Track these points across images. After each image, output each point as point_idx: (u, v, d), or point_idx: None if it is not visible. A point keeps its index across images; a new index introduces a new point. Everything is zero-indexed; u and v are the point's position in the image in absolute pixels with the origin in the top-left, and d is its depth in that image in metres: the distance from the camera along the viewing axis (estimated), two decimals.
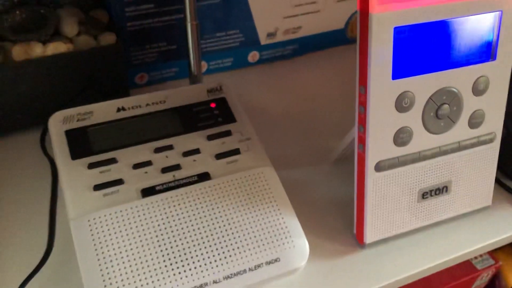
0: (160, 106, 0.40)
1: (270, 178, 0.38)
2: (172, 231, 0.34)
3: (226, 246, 0.34)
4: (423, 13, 0.32)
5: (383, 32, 0.31)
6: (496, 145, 0.39)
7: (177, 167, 0.37)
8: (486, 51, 0.35)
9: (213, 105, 0.41)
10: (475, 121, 0.37)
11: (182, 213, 0.35)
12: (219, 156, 0.38)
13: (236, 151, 0.39)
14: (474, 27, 0.34)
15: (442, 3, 0.32)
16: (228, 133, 0.40)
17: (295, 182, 0.44)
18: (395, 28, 0.31)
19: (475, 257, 0.63)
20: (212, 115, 0.41)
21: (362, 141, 0.35)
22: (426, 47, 0.33)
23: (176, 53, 0.52)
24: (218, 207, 0.36)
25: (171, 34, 0.51)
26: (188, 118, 0.40)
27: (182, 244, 0.34)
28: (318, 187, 0.44)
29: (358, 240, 0.38)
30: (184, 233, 0.34)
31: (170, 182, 0.36)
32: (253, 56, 0.57)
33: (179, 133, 0.39)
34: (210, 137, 0.39)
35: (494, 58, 0.35)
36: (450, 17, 0.33)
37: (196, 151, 0.38)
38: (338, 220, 0.41)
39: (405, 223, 0.38)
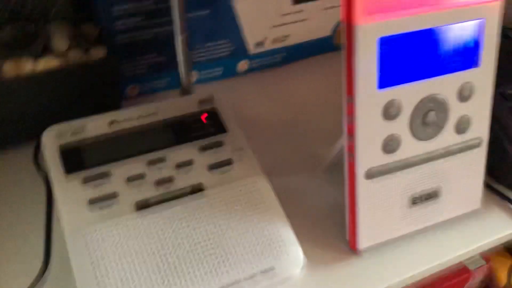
0: (152, 118, 0.41)
1: (263, 187, 0.38)
2: (167, 243, 0.34)
3: (221, 256, 0.35)
4: (407, 23, 0.33)
5: (368, 43, 0.32)
6: (483, 149, 0.39)
7: (170, 179, 0.38)
8: (470, 58, 0.36)
9: (204, 116, 0.42)
10: (461, 127, 0.38)
11: (176, 225, 0.35)
12: (211, 167, 0.39)
13: (228, 162, 0.39)
14: (458, 35, 0.35)
15: (426, 13, 0.33)
16: (220, 144, 0.40)
17: (287, 190, 0.44)
18: (380, 39, 0.32)
19: (467, 258, 0.64)
20: (204, 126, 0.41)
21: (351, 149, 0.35)
22: (411, 56, 0.34)
23: (167, 64, 0.53)
24: (212, 218, 0.36)
25: (161, 45, 0.51)
26: (180, 130, 0.40)
27: (177, 255, 0.34)
28: (310, 194, 0.44)
29: (351, 247, 0.39)
30: (178, 244, 0.35)
31: (164, 194, 0.37)
32: (243, 65, 0.57)
33: (171, 145, 0.39)
34: (202, 148, 0.40)
35: (477, 64, 0.36)
36: (434, 25, 0.34)
37: (189, 163, 0.39)
38: (330, 227, 0.41)
39: (397, 229, 0.39)
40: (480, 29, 0.35)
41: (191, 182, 0.38)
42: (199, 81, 0.56)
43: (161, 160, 0.38)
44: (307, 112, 0.54)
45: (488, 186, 0.44)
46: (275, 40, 0.57)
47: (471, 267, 0.63)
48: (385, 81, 0.33)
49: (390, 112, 0.34)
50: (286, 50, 0.59)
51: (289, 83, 0.58)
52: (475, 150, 0.39)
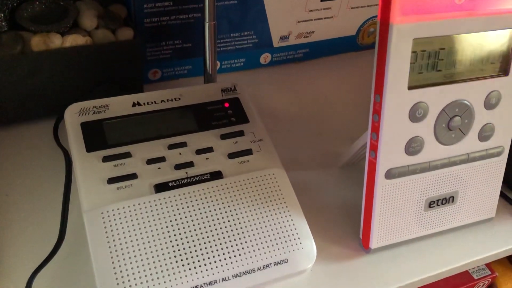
0: (175, 103, 0.41)
1: (281, 179, 0.39)
2: (183, 227, 0.35)
3: (236, 244, 0.35)
4: (442, 26, 0.33)
5: (402, 42, 0.32)
6: (503, 159, 0.40)
7: (190, 164, 0.38)
8: (500, 66, 0.36)
9: (226, 104, 0.42)
10: (485, 134, 0.38)
11: (194, 210, 0.36)
12: (231, 155, 0.39)
13: (248, 151, 0.39)
14: (490, 42, 0.35)
15: (461, 18, 0.33)
16: (241, 133, 0.40)
17: (303, 184, 0.44)
18: (414, 40, 0.32)
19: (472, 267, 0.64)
20: (226, 115, 0.41)
21: (374, 148, 0.35)
22: (442, 59, 0.34)
23: (190, 51, 0.53)
24: (229, 206, 0.36)
25: (187, 32, 0.51)
26: (202, 116, 0.41)
27: (193, 240, 0.34)
28: (325, 190, 0.44)
29: (363, 245, 0.39)
30: (195, 229, 0.35)
31: (183, 178, 0.37)
32: (265, 57, 0.58)
33: (192, 131, 0.40)
34: (223, 136, 0.40)
35: (507, 73, 0.36)
36: (467, 31, 0.34)
37: (209, 150, 0.39)
38: (344, 224, 0.41)
39: (410, 231, 0.39)
40: None
41: (210, 169, 0.38)
42: (221, 71, 0.56)
43: (181, 145, 0.39)
44: (326, 109, 0.54)
45: (503, 196, 0.44)
46: (299, 35, 0.57)
47: (475, 276, 0.63)
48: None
49: (416, 113, 0.34)
50: (310, 46, 0.59)
51: (310, 79, 0.58)
52: (496, 159, 0.39)
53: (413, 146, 0.35)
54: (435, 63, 0.34)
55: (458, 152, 0.37)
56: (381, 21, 0.32)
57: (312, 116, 0.53)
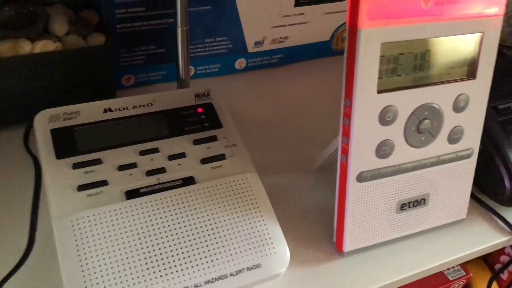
0: (147, 108, 0.41)
1: (254, 184, 0.38)
2: (155, 234, 0.34)
3: (208, 250, 0.34)
4: (410, 30, 0.33)
5: (370, 47, 0.32)
6: (473, 161, 0.40)
7: (162, 170, 0.37)
8: (468, 70, 0.37)
9: (200, 110, 0.42)
10: (454, 137, 0.38)
11: (166, 216, 0.35)
12: (204, 160, 0.39)
13: (221, 157, 0.39)
14: (457, 46, 0.35)
15: (428, 22, 0.33)
16: (214, 139, 0.40)
17: (277, 189, 0.44)
18: (382, 44, 0.32)
19: (447, 268, 0.64)
20: (199, 120, 0.41)
21: (345, 151, 0.35)
22: (411, 63, 0.34)
23: (164, 57, 0.53)
24: (201, 212, 0.36)
25: (160, 37, 0.51)
26: (175, 122, 0.40)
27: (165, 247, 0.34)
28: (300, 194, 0.45)
29: (337, 248, 0.39)
30: (167, 236, 0.34)
31: (154, 185, 0.37)
32: (240, 63, 0.58)
33: (165, 137, 0.39)
34: (196, 142, 0.40)
35: (474, 77, 0.37)
36: (435, 36, 0.34)
37: (182, 155, 0.39)
38: (318, 227, 0.42)
39: (383, 233, 0.39)
40: (479, 42, 0.36)
41: (182, 174, 0.38)
42: (196, 76, 0.56)
43: (153, 150, 0.38)
44: (300, 113, 0.54)
45: (473, 197, 0.45)
46: (274, 41, 0.57)
47: (450, 277, 0.64)
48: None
49: (386, 117, 0.35)
50: (284, 52, 0.59)
51: (285, 84, 0.58)
52: (466, 161, 0.40)
53: (383, 149, 0.36)
54: (404, 67, 0.34)
55: (428, 154, 0.38)
56: (350, 26, 0.32)
57: (287, 121, 0.53)
